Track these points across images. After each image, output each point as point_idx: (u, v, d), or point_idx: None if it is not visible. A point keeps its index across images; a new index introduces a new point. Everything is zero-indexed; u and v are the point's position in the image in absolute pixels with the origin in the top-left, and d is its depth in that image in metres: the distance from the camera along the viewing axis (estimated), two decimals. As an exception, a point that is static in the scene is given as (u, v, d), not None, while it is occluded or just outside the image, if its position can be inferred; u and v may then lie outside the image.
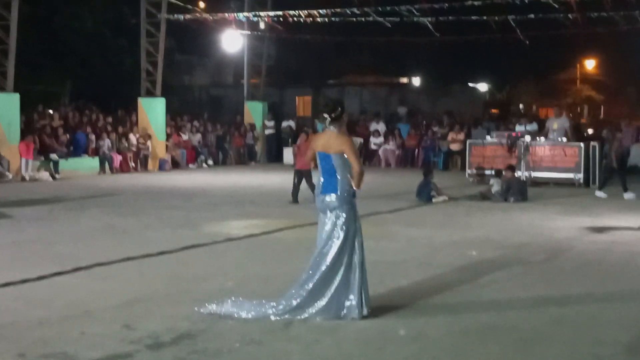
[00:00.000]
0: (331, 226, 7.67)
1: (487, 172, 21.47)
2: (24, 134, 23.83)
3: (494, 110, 45.98)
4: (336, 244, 7.61)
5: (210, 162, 29.87)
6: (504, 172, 18.77)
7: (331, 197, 7.71)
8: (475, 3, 21.79)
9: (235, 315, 7.53)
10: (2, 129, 23.24)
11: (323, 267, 7.58)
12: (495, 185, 18.38)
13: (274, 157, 32.48)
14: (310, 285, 7.56)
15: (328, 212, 7.70)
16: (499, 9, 22.60)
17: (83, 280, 9.20)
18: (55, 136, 25.32)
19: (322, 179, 7.80)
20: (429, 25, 23.28)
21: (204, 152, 29.83)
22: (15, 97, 23.79)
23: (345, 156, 7.68)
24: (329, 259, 7.59)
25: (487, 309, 7.97)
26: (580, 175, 21.52)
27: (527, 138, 22.43)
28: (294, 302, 7.55)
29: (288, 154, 31.69)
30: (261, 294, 8.10)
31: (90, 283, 9.02)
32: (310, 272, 7.62)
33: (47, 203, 17.16)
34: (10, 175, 22.67)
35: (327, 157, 7.76)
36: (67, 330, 7.03)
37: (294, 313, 7.51)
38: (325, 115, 7.84)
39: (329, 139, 7.79)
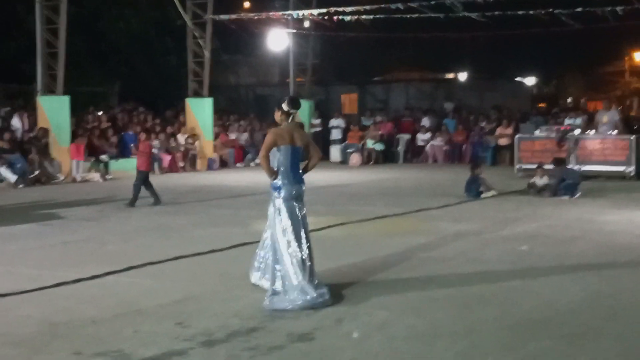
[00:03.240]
0: (302, 211, 8.26)
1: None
2: (74, 135, 24.16)
3: (541, 104, 45.53)
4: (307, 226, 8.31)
5: (257, 160, 29.93)
6: (553, 166, 18.59)
7: (303, 187, 8.34)
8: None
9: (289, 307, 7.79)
10: (52, 131, 23.58)
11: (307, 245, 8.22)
12: (537, 179, 18.20)
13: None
14: (309, 264, 8.15)
15: (299, 201, 8.27)
16: (545, 2, 22.41)
17: (135, 279, 9.31)
18: (105, 137, 25.60)
19: (291, 171, 8.21)
20: (476, 19, 23.12)
21: (251, 151, 29.90)
22: (65, 100, 24.06)
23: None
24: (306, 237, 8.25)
25: (538, 304, 7.93)
26: (632, 168, 21.27)
27: (577, 132, 22.21)
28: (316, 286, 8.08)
29: (335, 151, 31.74)
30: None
31: (142, 281, 9.13)
32: (306, 251, 8.19)
33: (98, 203, 17.39)
34: (61, 177, 22.98)
35: (296, 150, 8.29)
36: (121, 329, 7.13)
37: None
38: (293, 111, 8.37)
39: (297, 132, 8.34)
